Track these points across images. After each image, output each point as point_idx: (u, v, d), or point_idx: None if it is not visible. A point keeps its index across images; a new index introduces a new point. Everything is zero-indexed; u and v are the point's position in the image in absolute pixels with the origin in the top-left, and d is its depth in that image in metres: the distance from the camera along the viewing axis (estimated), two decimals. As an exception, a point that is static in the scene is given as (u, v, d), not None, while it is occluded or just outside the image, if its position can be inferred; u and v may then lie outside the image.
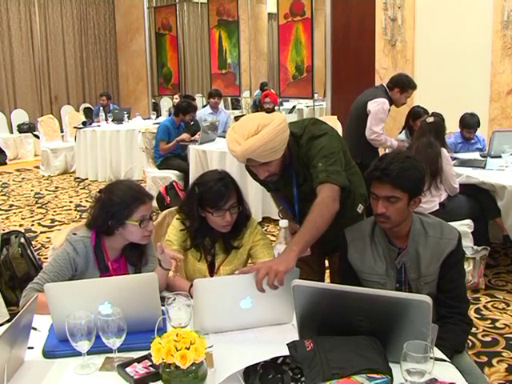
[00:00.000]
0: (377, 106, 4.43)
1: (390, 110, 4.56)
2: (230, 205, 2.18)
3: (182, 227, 2.30)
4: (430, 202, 3.89)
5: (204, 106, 9.59)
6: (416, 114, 4.93)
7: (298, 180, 2.21)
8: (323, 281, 2.63)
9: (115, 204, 2.05)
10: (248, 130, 1.97)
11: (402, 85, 4.52)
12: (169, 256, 2.04)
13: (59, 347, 1.68)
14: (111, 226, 2.05)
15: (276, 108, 7.15)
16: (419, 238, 2.00)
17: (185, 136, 6.22)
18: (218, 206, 2.17)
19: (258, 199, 5.35)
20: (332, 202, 1.97)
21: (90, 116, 9.06)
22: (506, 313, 3.52)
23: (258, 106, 8.71)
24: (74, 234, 2.10)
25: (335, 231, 2.19)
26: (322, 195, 1.98)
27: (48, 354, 1.68)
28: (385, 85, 4.61)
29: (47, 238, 5.26)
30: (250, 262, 2.41)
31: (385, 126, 4.54)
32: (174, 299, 1.72)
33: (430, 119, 4.10)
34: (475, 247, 3.72)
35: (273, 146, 1.99)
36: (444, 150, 3.97)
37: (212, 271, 2.32)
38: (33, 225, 5.79)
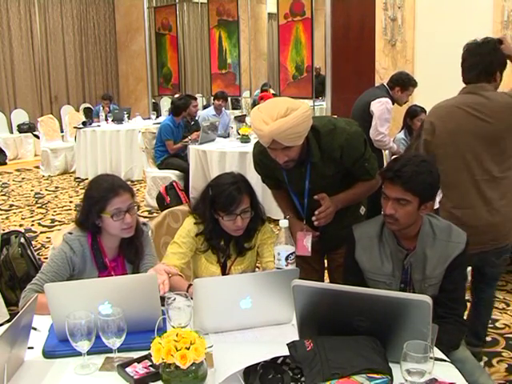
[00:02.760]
0: (380, 106, 4.42)
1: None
2: (241, 209, 2.16)
3: (196, 231, 2.27)
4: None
5: (204, 107, 9.60)
6: (413, 112, 4.94)
7: (312, 174, 2.22)
8: (323, 279, 2.63)
9: (91, 198, 2.07)
10: (277, 112, 1.98)
11: (403, 83, 4.52)
12: (163, 269, 1.98)
13: (59, 347, 1.68)
14: (91, 220, 2.06)
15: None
16: (427, 240, 2.00)
17: (195, 135, 6.26)
18: (228, 211, 2.15)
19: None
20: (375, 187, 2.31)
21: (90, 116, 9.07)
22: (506, 313, 3.52)
23: (256, 107, 8.74)
24: (70, 233, 2.11)
25: (337, 230, 2.20)
26: (373, 182, 2.30)
27: (48, 354, 1.68)
28: (385, 84, 4.61)
29: (47, 237, 5.27)
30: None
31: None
32: (174, 299, 1.72)
33: None
34: (475, 247, 3.71)
35: (299, 131, 2.01)
36: None
37: (224, 274, 2.30)
38: (33, 225, 5.79)
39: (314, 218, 2.21)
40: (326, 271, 2.64)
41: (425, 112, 4.89)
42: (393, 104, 4.55)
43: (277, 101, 2.10)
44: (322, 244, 2.40)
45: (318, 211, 2.19)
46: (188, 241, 2.26)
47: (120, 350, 1.63)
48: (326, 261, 2.60)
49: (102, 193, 2.05)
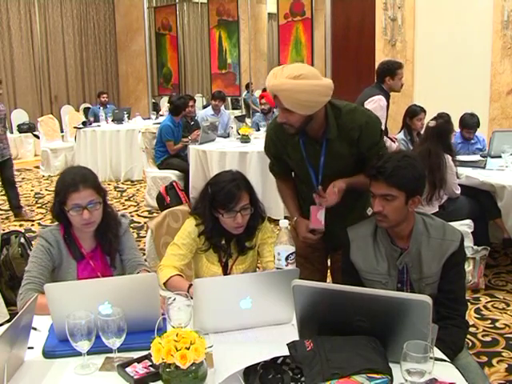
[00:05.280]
0: (373, 104, 4.44)
1: (388, 105, 4.57)
2: (241, 206, 2.16)
3: (198, 232, 2.27)
4: (430, 205, 3.85)
5: (204, 107, 9.61)
6: (412, 112, 4.93)
7: (326, 151, 2.22)
8: (325, 279, 2.63)
9: (55, 191, 2.10)
10: (291, 71, 2.01)
11: (389, 71, 4.58)
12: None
13: (59, 347, 1.68)
14: (58, 212, 2.08)
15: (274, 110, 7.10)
16: (421, 239, 2.00)
17: (195, 134, 6.26)
18: (228, 207, 2.15)
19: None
20: None
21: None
22: (506, 313, 3.52)
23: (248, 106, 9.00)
24: (43, 227, 2.13)
25: (341, 229, 2.19)
26: None
27: (48, 354, 1.68)
28: (376, 81, 4.65)
29: (47, 238, 5.26)
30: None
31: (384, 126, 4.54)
32: (174, 299, 1.72)
33: (432, 123, 4.02)
34: (475, 247, 3.71)
35: (300, 98, 2.02)
36: (448, 158, 3.86)
37: (226, 273, 2.30)
38: (33, 225, 5.79)
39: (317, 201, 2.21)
40: (328, 271, 2.64)
41: (424, 112, 4.89)
42: (388, 98, 4.56)
43: (305, 66, 2.12)
44: (326, 243, 2.39)
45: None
46: (188, 242, 2.26)
47: (120, 349, 1.63)
48: (329, 261, 2.60)
49: (63, 187, 2.06)
